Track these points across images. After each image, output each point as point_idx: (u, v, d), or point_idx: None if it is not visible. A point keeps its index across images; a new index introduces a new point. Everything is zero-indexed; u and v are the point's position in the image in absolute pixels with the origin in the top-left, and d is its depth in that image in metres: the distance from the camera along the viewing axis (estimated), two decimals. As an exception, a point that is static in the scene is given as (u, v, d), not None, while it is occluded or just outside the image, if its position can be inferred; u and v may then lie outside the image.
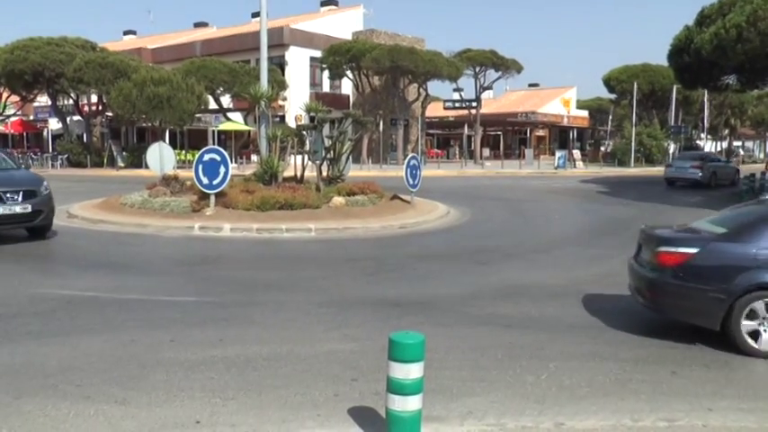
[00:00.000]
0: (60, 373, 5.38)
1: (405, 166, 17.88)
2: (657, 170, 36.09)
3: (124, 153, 41.72)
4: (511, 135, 67.81)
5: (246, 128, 43.28)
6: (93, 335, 6.53)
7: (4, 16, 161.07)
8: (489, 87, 53.87)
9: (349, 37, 47.73)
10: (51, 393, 4.96)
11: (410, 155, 19.68)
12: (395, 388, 4.03)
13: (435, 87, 56.43)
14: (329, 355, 5.79)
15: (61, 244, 12.35)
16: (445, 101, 53.21)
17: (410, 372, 4.00)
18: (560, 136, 68.23)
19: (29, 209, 11.68)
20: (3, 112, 50.15)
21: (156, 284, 8.79)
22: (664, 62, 28.98)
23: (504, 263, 10.76)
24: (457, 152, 59.80)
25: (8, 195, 11.47)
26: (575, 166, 43.78)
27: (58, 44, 39.56)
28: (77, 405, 4.74)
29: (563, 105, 62.69)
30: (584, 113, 67.34)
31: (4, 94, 47.84)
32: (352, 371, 5.39)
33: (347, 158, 18.43)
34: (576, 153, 48.00)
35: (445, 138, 70.16)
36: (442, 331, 6.51)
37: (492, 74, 51.01)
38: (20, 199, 11.58)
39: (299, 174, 17.65)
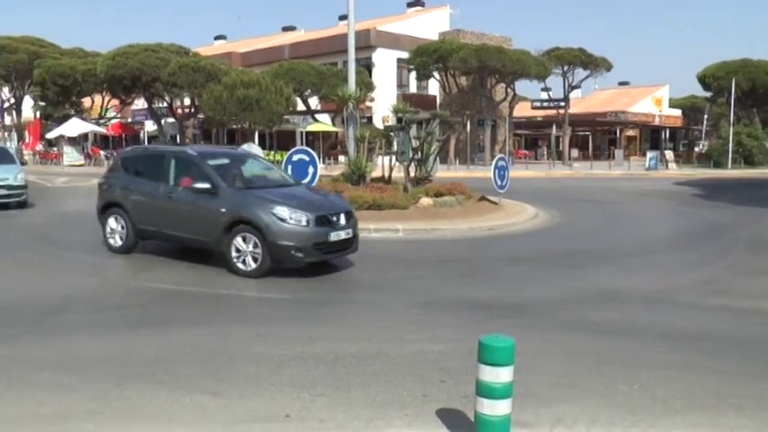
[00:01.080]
0: (157, 363, 5.64)
1: (492, 167, 17.73)
2: (758, 172, 34.34)
3: (216, 153, 42.94)
4: (600, 135, 66.06)
5: (334, 129, 43.90)
6: (186, 327, 6.83)
7: (109, 25, 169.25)
8: (578, 86, 52.63)
9: (436, 37, 47.65)
10: (149, 381, 5.21)
11: (498, 156, 19.51)
12: (484, 391, 4.01)
13: (523, 87, 55.59)
14: (418, 356, 5.82)
15: (154, 240, 12.84)
16: (533, 100, 52.41)
17: (500, 375, 3.98)
18: (652, 136, 66.00)
19: (351, 233, 9.63)
20: (104, 115, 52.87)
21: (245, 280, 9.03)
22: (766, 57, 27.59)
23: (595, 267, 10.51)
24: (545, 153, 58.78)
25: (335, 218, 9.37)
26: (667, 168, 42.19)
27: (154, 50, 41.33)
28: (173, 393, 4.96)
29: (655, 104, 60.62)
30: (678, 113, 64.93)
31: (106, 99, 50.44)
32: (441, 372, 5.40)
33: (435, 159, 18.42)
34: (669, 154, 46.21)
35: (533, 138, 69.08)
36: (531, 335, 6.42)
37: (580, 72, 49.81)
38: (344, 222, 9.52)
39: (386, 174, 17.76)
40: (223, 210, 9.21)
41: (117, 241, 10.69)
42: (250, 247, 8.93)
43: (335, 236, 9.15)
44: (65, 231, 13.77)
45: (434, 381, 5.22)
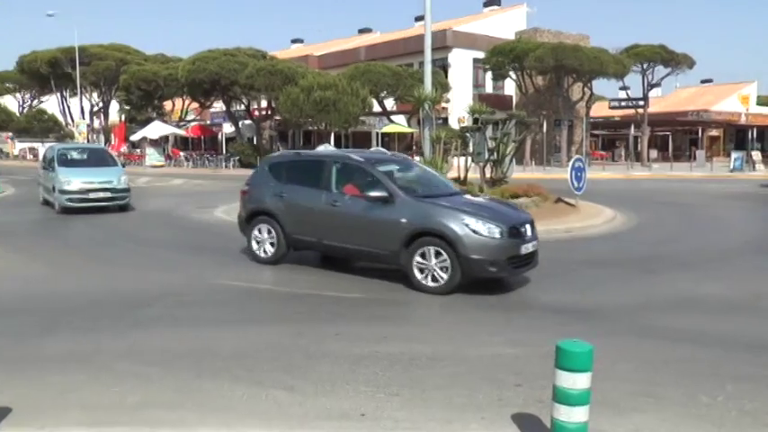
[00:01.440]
0: (234, 358, 5.79)
1: (569, 168, 17.41)
2: None
3: (292, 154, 43.73)
4: (680, 135, 63.66)
5: (410, 130, 43.98)
6: (263, 325, 7.00)
7: (190, 31, 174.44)
8: (657, 84, 50.93)
9: (512, 37, 47.14)
10: (227, 376, 5.36)
11: (575, 156, 19.14)
12: (561, 397, 3.96)
13: (600, 86, 54.38)
14: (493, 359, 5.78)
15: (234, 239, 13.16)
16: (610, 100, 51.12)
17: (577, 381, 3.92)
18: (737, 136, 63.15)
19: (535, 246, 8.83)
20: (184, 117, 54.62)
21: (322, 280, 9.19)
22: None
23: (676, 272, 10.17)
24: (622, 153, 57.19)
25: (523, 229, 8.56)
26: (753, 169, 40.30)
27: (232, 54, 42.42)
28: (250, 389, 5.09)
29: (741, 102, 58.02)
30: (767, 111, 62.07)
31: (186, 102, 52.14)
32: (516, 376, 5.35)
33: (510, 160, 18.22)
34: (756, 154, 44.05)
35: (610, 139, 67.31)
36: (608, 341, 6.26)
37: (661, 70, 48.10)
38: (530, 234, 8.72)
39: (462, 175, 17.68)
40: (403, 220, 8.46)
41: (265, 251, 10.17)
42: (435, 262, 8.15)
43: (525, 249, 8.38)
44: (148, 229, 14.31)
45: (510, 384, 5.18)
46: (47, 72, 56.19)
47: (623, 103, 49.10)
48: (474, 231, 8.06)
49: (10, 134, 70.61)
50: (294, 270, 9.93)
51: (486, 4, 56.38)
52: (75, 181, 16.74)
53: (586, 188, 17.79)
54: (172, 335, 6.58)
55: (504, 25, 50.18)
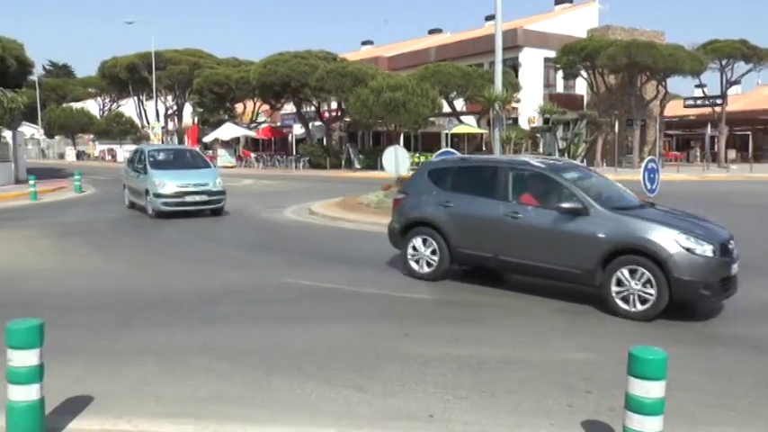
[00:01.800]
0: (304, 356, 5.86)
1: (642, 170, 17.02)
2: None
3: (360, 155, 44.16)
4: (762, 135, 61.06)
5: (479, 131, 43.70)
6: (332, 323, 7.05)
7: (262, 34, 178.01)
8: (737, 82, 48.87)
9: (584, 35, 46.19)
10: (296, 374, 5.43)
11: (647, 157, 18.64)
12: (634, 406, 3.84)
13: (675, 84, 52.74)
14: (563, 364, 5.68)
15: (303, 238, 13.39)
16: (686, 98, 49.42)
17: (650, 390, 3.80)
18: (827, 135, 60.26)
19: (737, 266, 7.68)
20: (255, 119, 55.75)
21: (391, 280, 9.21)
22: None
23: (753, 278, 9.69)
24: (698, 154, 55.25)
25: (731, 246, 7.60)
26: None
27: (303, 57, 43.07)
28: (319, 387, 5.14)
29: (833, 98, 55.21)
30: None
31: (257, 104, 53.23)
32: (587, 382, 5.24)
33: (582, 161, 17.93)
34: None
35: (685, 139, 65.11)
36: (682, 349, 6.07)
37: (741, 67, 46.02)
38: (736, 252, 7.70)
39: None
40: (601, 235, 7.51)
41: (423, 266, 9.14)
42: (637, 283, 7.22)
43: (734, 269, 7.43)
44: (219, 228, 14.64)
45: (580, 391, 5.08)
46: (125, 77, 58.48)
47: (699, 102, 47.42)
48: (686, 249, 7.13)
49: (91, 136, 73.73)
50: (364, 270, 9.99)
51: (557, 2, 55.45)
52: (170, 184, 16.11)
53: (660, 190, 17.31)
54: (242, 331, 6.72)
55: (576, 23, 49.23)
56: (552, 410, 4.72)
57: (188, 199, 16.12)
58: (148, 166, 16.79)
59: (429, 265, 9.07)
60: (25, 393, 3.98)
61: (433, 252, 9.01)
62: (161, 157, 18.08)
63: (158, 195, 16.02)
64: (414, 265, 9.23)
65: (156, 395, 4.99)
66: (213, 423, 4.49)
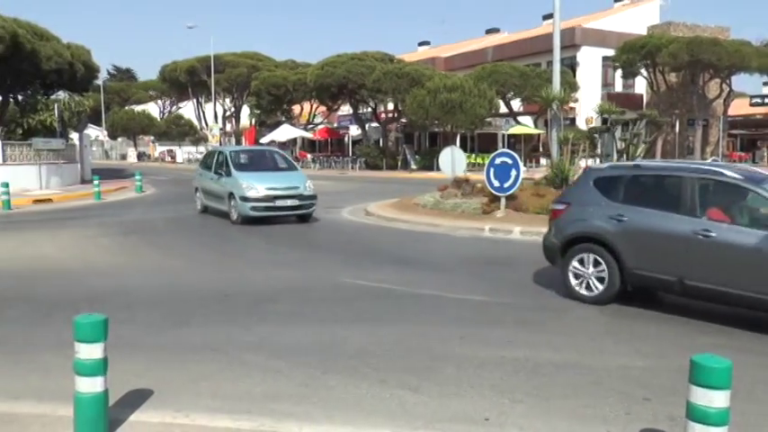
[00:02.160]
0: (359, 356, 5.89)
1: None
2: None
3: (417, 156, 44.14)
4: (837, 135, 58.69)
5: (536, 131, 43.22)
6: (388, 324, 7.06)
7: (319, 36, 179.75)
8: (808, 78, 47.23)
9: (644, 32, 45.18)
10: (352, 373, 5.46)
11: (710, 158, 18.10)
12: (696, 415, 3.73)
13: (741, 82, 51.06)
14: (620, 370, 5.56)
15: (359, 239, 13.45)
16: (752, 97, 47.79)
17: (713, 400, 3.67)
18: None
19: None
20: (312, 120, 56.33)
21: (446, 282, 9.17)
22: None
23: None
24: (764, 155, 53.42)
25: None
26: None
27: (360, 58, 43.34)
28: (374, 387, 5.16)
29: None
30: None
31: (314, 106, 53.79)
32: (645, 389, 5.12)
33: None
34: None
35: (750, 139, 62.88)
36: (747, 358, 5.84)
37: (812, 62, 44.46)
38: None
39: (588, 178, 17.17)
40: None
41: (589, 288, 7.98)
42: None
43: None
44: (277, 228, 14.81)
45: (638, 398, 4.96)
46: (185, 80, 59.88)
47: (767, 100, 45.86)
48: None
49: (152, 138, 75.71)
50: (419, 271, 9.99)
51: (616, 0, 54.43)
52: (259, 187, 14.99)
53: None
54: (298, 330, 6.79)
55: (636, 20, 48.18)
56: (609, 417, 4.63)
57: (278, 203, 15.07)
58: (232, 169, 15.77)
59: (594, 287, 7.93)
60: (91, 385, 4.11)
61: (601, 272, 7.87)
62: (244, 158, 17.01)
63: (246, 199, 14.93)
64: (576, 287, 8.09)
65: (214, 391, 5.09)
66: (269, 420, 4.55)
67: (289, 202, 15.18)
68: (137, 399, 4.88)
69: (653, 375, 5.44)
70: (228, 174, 15.77)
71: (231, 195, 15.41)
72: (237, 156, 16.88)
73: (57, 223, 16.38)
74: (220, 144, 57.27)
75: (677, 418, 4.30)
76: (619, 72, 44.89)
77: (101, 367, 4.13)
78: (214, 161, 17.14)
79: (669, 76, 42.53)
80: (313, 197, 15.67)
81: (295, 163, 18.66)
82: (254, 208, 14.94)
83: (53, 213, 18.92)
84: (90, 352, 4.08)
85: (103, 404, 4.20)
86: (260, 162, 16.99)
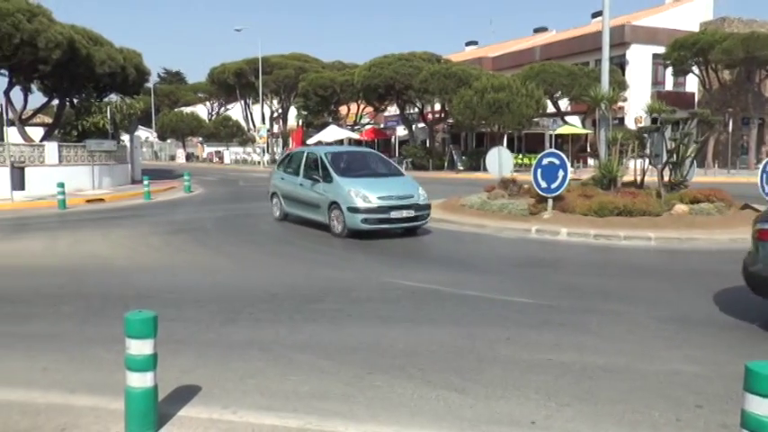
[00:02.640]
0: (405, 356, 5.88)
1: (760, 172, 16.00)
2: None
3: (463, 157, 43.98)
4: None
5: (584, 131, 42.65)
6: (434, 325, 7.03)
7: (367, 37, 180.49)
8: None
9: (696, 29, 44.18)
10: (398, 373, 5.45)
11: (766, 159, 17.59)
12: (753, 425, 3.59)
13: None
14: (670, 376, 5.43)
15: (404, 239, 13.42)
16: (811, 94, 46.35)
17: (771, 408, 3.56)
18: None
19: None
20: (359, 121, 56.61)
21: (493, 283, 9.11)
22: None
23: None
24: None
25: None
26: None
27: (407, 59, 43.42)
28: (421, 388, 5.14)
29: None
30: None
31: (361, 106, 54.06)
32: (696, 396, 4.99)
33: (691, 162, 17.10)
34: None
35: (811, 139, 61.09)
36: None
37: None
38: None
39: (638, 179, 16.88)
40: None
41: None
42: None
43: None
44: (320, 228, 14.89)
45: (689, 405, 4.84)
46: (233, 82, 60.76)
47: (827, 98, 44.35)
48: None
49: (200, 139, 77.03)
50: (465, 272, 9.95)
51: (668, -4, 53.38)
52: (370, 195, 12.99)
53: (781, 194, 16.26)
54: (344, 329, 6.81)
55: (688, 17, 47.17)
56: (659, 423, 4.53)
57: (393, 215, 13.04)
58: (333, 173, 13.71)
59: None
60: (141, 380, 4.20)
61: None
62: (344, 161, 14.73)
63: (355, 210, 12.90)
64: None
65: (261, 389, 5.14)
66: (315, 419, 4.57)
67: (404, 213, 13.16)
68: (185, 394, 4.96)
69: (705, 382, 5.30)
70: (328, 179, 13.72)
71: (333, 205, 13.44)
72: (337, 158, 14.59)
73: (108, 222, 16.79)
74: (267, 145, 58.03)
75: (731, 426, 4.19)
76: (669, 70, 43.96)
77: (150, 363, 4.21)
78: (302, 164, 15.09)
79: (722, 73, 41.48)
80: (428, 207, 13.81)
81: (400, 167, 16.41)
82: (365, 220, 12.91)
83: (105, 213, 19.40)
84: (140, 348, 4.17)
85: (153, 399, 4.28)
86: (361, 166, 14.89)
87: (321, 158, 14.26)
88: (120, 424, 4.35)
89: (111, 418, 4.51)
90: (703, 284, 9.23)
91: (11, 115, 25.84)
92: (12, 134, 23.84)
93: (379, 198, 13.01)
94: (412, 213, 13.23)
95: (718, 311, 7.65)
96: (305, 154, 15.40)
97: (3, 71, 26.98)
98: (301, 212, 15.04)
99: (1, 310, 7.79)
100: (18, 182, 21.96)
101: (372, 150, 17.89)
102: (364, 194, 12.99)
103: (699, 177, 20.49)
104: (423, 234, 14.04)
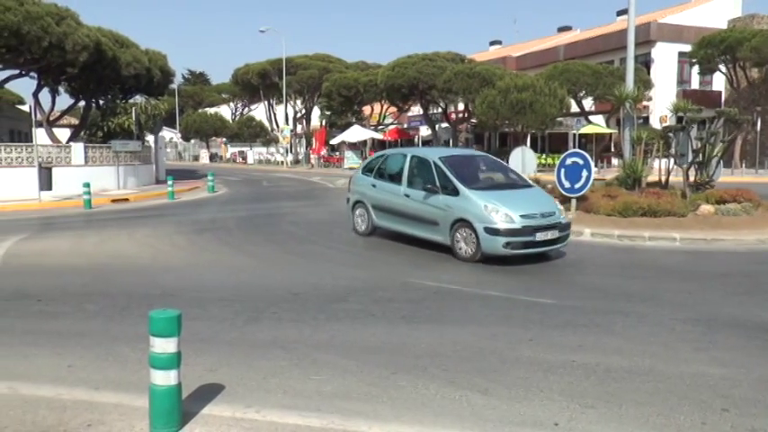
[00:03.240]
0: (429, 357, 5.88)
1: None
2: None
3: (487, 157, 43.75)
4: None
5: (608, 130, 42.28)
6: (457, 325, 7.02)
7: (391, 37, 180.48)
8: None
9: (724, 26, 43.53)
10: (421, 374, 5.45)
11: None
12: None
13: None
14: (696, 378, 5.37)
15: (426, 239, 13.37)
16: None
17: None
18: None
19: None
20: (382, 121, 56.63)
21: (515, 283, 9.09)
22: None
23: None
24: None
25: None
26: None
27: (431, 59, 43.35)
28: (444, 388, 5.14)
29: None
30: None
31: (384, 107, 54.10)
32: (723, 399, 4.93)
33: (718, 162, 16.88)
34: None
35: (841, 139, 59.99)
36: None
37: None
38: None
39: (663, 179, 16.70)
40: None
41: None
42: None
43: None
44: (344, 227, 14.91)
45: (715, 408, 4.78)
46: (257, 83, 61.06)
47: None
48: None
49: (224, 139, 77.57)
50: (487, 273, 9.91)
51: (695, -7, 52.70)
52: (512, 214, 10.40)
53: (811, 194, 16.00)
54: (367, 329, 6.82)
55: (716, 14, 46.50)
56: (684, 427, 4.48)
57: (538, 237, 10.48)
58: (459, 184, 11.06)
59: None
60: (165, 378, 4.24)
61: None
62: (466, 168, 12.03)
63: (495, 232, 10.29)
64: None
65: (284, 388, 5.16)
66: (338, 418, 4.59)
67: (549, 235, 10.62)
68: (209, 393, 5.00)
69: (732, 385, 5.23)
70: (451, 191, 11.11)
71: (460, 223, 10.85)
72: (457, 165, 11.79)
73: (133, 222, 16.96)
74: (291, 146, 58.26)
75: (759, 431, 4.12)
76: (695, 68, 43.40)
77: (174, 361, 4.25)
78: (404, 170, 12.38)
79: (751, 71, 40.83)
80: (569, 226, 11.40)
81: (525, 177, 13.29)
82: (508, 244, 10.29)
83: (130, 212, 19.60)
84: (164, 346, 4.21)
85: (177, 396, 4.32)
86: (485, 174, 12.42)
87: (436, 164, 11.61)
88: (145, 421, 4.40)
89: (136, 416, 4.56)
90: (730, 286, 9.12)
91: (39, 117, 26.18)
92: (40, 135, 24.15)
93: (522, 216, 10.46)
94: (555, 235, 10.73)
95: (746, 314, 7.55)
96: (407, 158, 12.53)
97: (32, 74, 27.39)
98: (403, 228, 12.36)
99: (29, 308, 7.91)
100: (45, 182, 22.27)
101: (486, 154, 15.12)
102: (506, 212, 10.43)
103: (725, 177, 20.22)
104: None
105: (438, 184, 11.38)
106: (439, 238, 11.38)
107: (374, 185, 13.21)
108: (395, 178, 12.65)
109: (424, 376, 5.39)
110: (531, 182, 12.60)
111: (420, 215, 11.77)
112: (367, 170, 13.86)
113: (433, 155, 12.11)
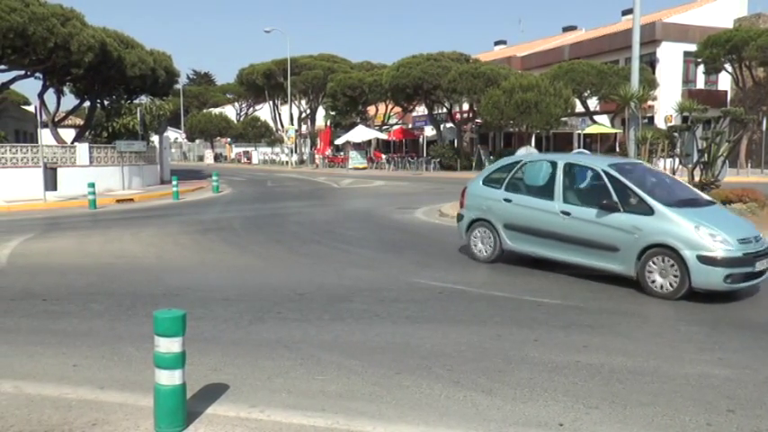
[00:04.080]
0: (433, 357, 5.88)
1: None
2: None
3: (491, 157, 43.77)
4: None
5: (613, 130, 42.19)
6: (462, 325, 7.01)
7: (396, 37, 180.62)
8: None
9: (729, 25, 43.37)
10: (426, 374, 5.45)
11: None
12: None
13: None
14: (701, 379, 5.35)
15: (432, 240, 13.41)
16: None
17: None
18: None
19: None
20: (387, 121, 56.66)
21: (520, 284, 9.08)
22: None
23: None
24: None
25: None
26: None
27: (435, 59, 43.35)
28: (448, 388, 5.13)
29: None
30: None
31: (389, 107, 54.12)
32: (728, 400, 4.91)
33: (723, 162, 16.84)
34: None
35: None
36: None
37: None
38: None
39: (668, 179, 16.63)
40: None
41: None
42: None
43: None
44: (349, 228, 14.96)
45: (721, 409, 4.76)
46: (262, 83, 61.17)
47: None
48: None
49: (228, 139, 77.69)
50: (493, 273, 9.91)
51: (701, -7, 52.53)
52: (731, 239, 8.13)
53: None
54: (372, 329, 6.82)
55: (721, 13, 46.32)
56: (689, 428, 4.46)
57: (758, 266, 8.24)
58: (650, 200, 8.66)
59: None
60: (169, 377, 4.25)
61: None
62: (645, 180, 9.58)
63: (712, 261, 7.95)
64: None
65: (288, 388, 5.16)
66: (343, 418, 4.59)
67: (766, 264, 8.38)
68: (213, 392, 5.01)
69: (737, 386, 5.22)
70: (639, 208, 8.70)
71: (656, 250, 8.41)
72: (635, 176, 9.40)
73: (138, 222, 17.00)
74: (295, 146, 58.33)
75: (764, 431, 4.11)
76: (701, 68, 43.28)
77: (179, 360, 4.26)
78: (556, 181, 9.82)
79: (757, 71, 40.68)
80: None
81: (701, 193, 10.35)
82: (729, 277, 7.96)
83: (134, 212, 19.64)
84: (169, 346, 4.21)
85: (182, 396, 4.33)
86: (661, 189, 9.51)
87: (610, 174, 9.18)
88: (149, 420, 4.40)
89: (141, 415, 4.57)
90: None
91: (44, 117, 26.27)
92: (45, 136, 24.24)
93: (740, 242, 8.22)
94: (766, 264, 8.43)
95: (752, 315, 7.53)
96: (558, 166, 9.90)
97: (37, 74, 27.45)
98: (556, 254, 9.74)
99: (34, 307, 7.93)
100: (51, 182, 22.36)
101: (641, 161, 12.52)
102: (724, 237, 8.14)
103: (731, 177, 20.17)
104: (451, 234, 13.98)
105: (618, 199, 8.90)
106: (616, 268, 8.90)
107: (508, 200, 10.51)
108: (542, 192, 10.04)
109: (429, 376, 5.39)
110: (704, 196, 10.04)
111: (588, 238, 9.22)
112: (491, 181, 11.09)
113: (603, 163, 9.59)
